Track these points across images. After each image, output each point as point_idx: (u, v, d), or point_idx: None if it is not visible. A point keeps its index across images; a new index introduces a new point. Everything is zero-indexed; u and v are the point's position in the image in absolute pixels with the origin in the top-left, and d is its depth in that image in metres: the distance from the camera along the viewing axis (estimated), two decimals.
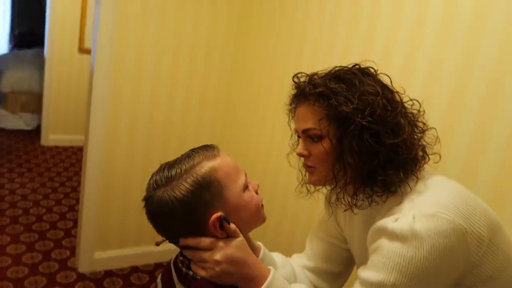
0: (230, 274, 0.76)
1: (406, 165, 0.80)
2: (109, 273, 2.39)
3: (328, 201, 1.04)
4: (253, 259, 0.80)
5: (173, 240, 0.78)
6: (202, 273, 0.77)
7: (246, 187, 0.80)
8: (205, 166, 0.76)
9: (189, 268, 0.79)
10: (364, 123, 0.77)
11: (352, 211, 0.86)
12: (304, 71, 0.91)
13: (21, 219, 2.85)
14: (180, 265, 0.81)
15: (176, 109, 2.40)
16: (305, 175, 0.95)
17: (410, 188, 0.80)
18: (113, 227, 2.40)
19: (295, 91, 0.89)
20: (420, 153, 0.83)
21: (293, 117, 0.92)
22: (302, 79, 0.89)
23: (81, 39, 4.35)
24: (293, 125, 0.94)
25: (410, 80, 1.38)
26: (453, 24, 1.25)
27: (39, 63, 5.02)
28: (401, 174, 0.79)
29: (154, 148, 2.40)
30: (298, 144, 0.91)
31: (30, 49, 5.73)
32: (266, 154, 2.14)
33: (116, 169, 2.32)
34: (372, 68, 0.86)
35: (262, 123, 2.17)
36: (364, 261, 0.92)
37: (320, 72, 0.88)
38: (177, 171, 0.76)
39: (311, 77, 0.86)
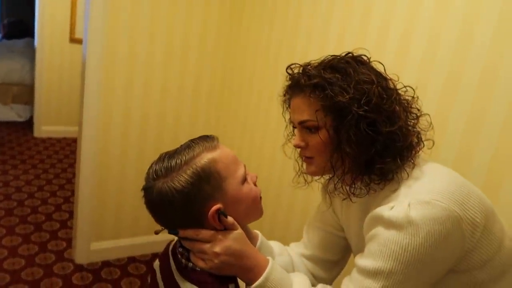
0: (229, 266, 0.77)
1: (402, 152, 0.80)
2: (106, 264, 2.40)
3: (326, 191, 1.04)
4: (251, 250, 0.80)
5: (172, 231, 0.79)
6: (201, 264, 0.77)
7: (245, 179, 0.80)
8: (205, 157, 0.76)
9: (188, 259, 0.79)
10: (360, 112, 0.77)
11: (350, 199, 0.87)
12: (297, 61, 0.90)
13: (16, 211, 2.84)
14: (179, 256, 0.81)
15: (170, 100, 2.38)
16: (302, 166, 0.95)
17: (407, 174, 0.80)
18: (108, 218, 2.41)
19: (289, 82, 0.88)
20: (415, 140, 0.84)
21: (287, 108, 0.92)
22: (295, 70, 0.88)
23: (72, 29, 4.29)
24: (287, 116, 0.94)
25: (405, 66, 1.38)
26: (448, 10, 1.25)
27: (30, 54, 4.95)
28: (398, 161, 0.79)
29: (148, 139, 2.39)
30: (293, 135, 0.91)
31: (20, 39, 5.63)
32: (260, 145, 2.14)
33: (111, 160, 2.31)
34: (365, 55, 0.86)
35: (256, 113, 2.16)
36: (360, 249, 0.93)
37: (313, 62, 0.87)
38: (177, 161, 0.75)
39: (305, 68, 0.86)
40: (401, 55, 1.39)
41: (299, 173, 0.97)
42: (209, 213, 0.75)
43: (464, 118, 1.21)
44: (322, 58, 0.87)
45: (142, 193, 0.79)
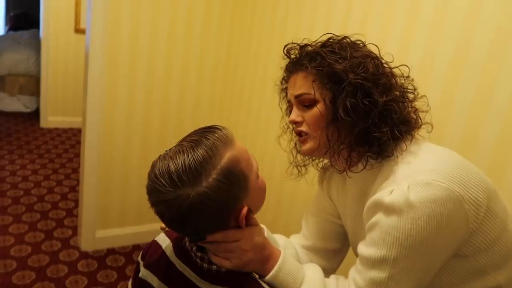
0: (253, 261, 0.77)
1: (399, 124, 0.80)
2: (111, 251, 2.42)
3: (323, 176, 1.04)
4: (267, 241, 0.81)
5: (197, 237, 0.73)
6: (227, 264, 0.75)
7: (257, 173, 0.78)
8: (230, 158, 0.69)
9: (210, 263, 0.76)
10: (357, 80, 0.77)
11: (347, 174, 0.86)
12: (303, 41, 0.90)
13: (23, 200, 2.87)
14: (199, 261, 0.77)
15: (173, 86, 2.38)
16: (296, 157, 0.95)
17: (406, 145, 0.80)
18: (113, 206, 2.42)
19: (286, 64, 0.89)
20: (413, 116, 0.83)
21: (284, 97, 0.92)
22: (292, 50, 0.89)
23: (77, 20, 4.29)
24: (284, 106, 0.94)
25: (411, 46, 1.36)
26: None
27: (36, 45, 4.97)
28: (396, 132, 0.79)
29: (152, 127, 2.39)
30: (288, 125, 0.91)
31: (26, 31, 5.66)
32: (265, 131, 2.13)
33: (115, 149, 2.32)
34: (360, 40, 0.87)
35: (261, 98, 2.15)
36: (357, 236, 0.92)
37: (310, 42, 0.88)
38: (202, 165, 0.66)
39: (302, 46, 0.87)
40: (408, 33, 1.37)
41: (293, 165, 0.96)
42: (241, 214, 0.72)
43: (470, 99, 1.19)
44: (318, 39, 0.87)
45: (152, 203, 0.70)
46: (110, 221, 2.44)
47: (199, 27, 2.34)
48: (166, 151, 0.71)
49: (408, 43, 1.36)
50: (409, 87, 0.85)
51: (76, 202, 2.93)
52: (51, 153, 3.78)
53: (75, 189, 3.13)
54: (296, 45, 0.88)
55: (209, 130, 0.71)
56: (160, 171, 0.67)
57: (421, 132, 0.87)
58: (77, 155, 3.82)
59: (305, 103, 0.84)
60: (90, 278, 2.16)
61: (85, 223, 2.36)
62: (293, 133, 0.92)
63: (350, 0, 1.59)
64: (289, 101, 0.91)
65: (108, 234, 2.43)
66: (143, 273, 0.84)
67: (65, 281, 2.11)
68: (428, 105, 0.86)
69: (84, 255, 2.35)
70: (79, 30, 4.31)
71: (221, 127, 0.73)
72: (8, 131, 4.19)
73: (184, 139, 0.72)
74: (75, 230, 2.57)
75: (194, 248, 0.78)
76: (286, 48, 0.89)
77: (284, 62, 0.91)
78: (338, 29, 1.65)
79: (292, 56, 0.87)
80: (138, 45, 2.20)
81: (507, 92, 1.10)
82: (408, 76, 0.86)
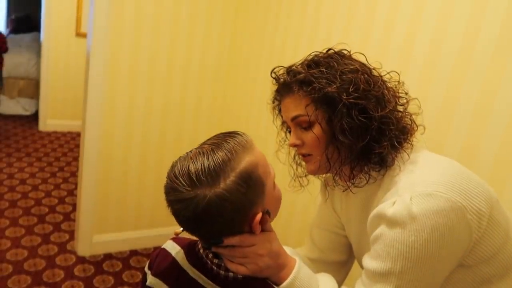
0: (269, 267, 0.76)
1: (398, 135, 0.80)
2: (108, 256, 2.40)
3: (325, 185, 1.04)
4: (283, 249, 0.80)
5: (214, 241, 0.73)
6: (243, 270, 0.74)
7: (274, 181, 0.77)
8: (249, 162, 0.70)
9: (227, 270, 0.75)
10: (350, 100, 0.77)
11: (351, 190, 0.86)
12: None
13: (20, 203, 2.85)
14: (215, 268, 0.76)
15: (174, 91, 2.38)
16: (296, 170, 0.95)
17: (408, 154, 0.80)
18: (111, 211, 2.41)
19: (277, 85, 0.89)
20: (409, 122, 0.83)
21: (278, 113, 0.92)
22: (280, 72, 0.88)
23: (78, 23, 4.30)
24: (278, 122, 0.94)
25: (409, 62, 1.36)
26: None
27: (37, 48, 4.98)
28: (396, 144, 0.79)
29: (152, 132, 2.39)
30: (286, 140, 0.91)
31: (27, 34, 5.66)
32: (266, 131, 2.13)
33: (114, 153, 2.31)
34: (346, 50, 0.87)
35: (261, 103, 2.15)
36: (362, 247, 0.92)
37: (296, 63, 0.88)
38: (222, 167, 0.67)
39: (289, 68, 0.86)
40: (405, 53, 1.38)
41: (294, 178, 0.96)
42: (257, 218, 0.71)
43: (470, 112, 1.19)
44: (304, 57, 0.87)
45: (169, 202, 0.70)
46: (107, 226, 2.42)
47: (201, 32, 2.35)
48: (186, 152, 0.73)
49: (409, 49, 1.37)
50: (400, 91, 0.85)
51: (74, 206, 2.91)
52: (50, 157, 3.77)
53: (73, 193, 3.12)
54: (282, 67, 0.88)
55: (230, 134, 0.72)
56: (180, 170, 0.68)
57: (415, 135, 0.87)
58: (76, 158, 3.80)
59: (303, 125, 0.84)
60: (87, 283, 2.14)
61: (83, 228, 2.34)
62: (296, 152, 0.92)
63: (352, 4, 1.59)
64: (285, 122, 0.91)
65: (105, 239, 2.42)
66: (151, 281, 0.83)
67: (61, 286, 2.08)
68: (420, 107, 0.87)
69: (81, 259, 2.33)
70: (80, 34, 4.32)
71: (241, 133, 0.73)
72: (7, 133, 4.17)
73: (205, 142, 0.73)
74: (72, 234, 2.55)
75: (210, 255, 0.77)
76: (273, 73, 0.89)
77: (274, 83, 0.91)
78: (341, 32, 1.65)
79: (281, 80, 0.87)
80: (139, 50, 2.21)
81: (510, 99, 1.10)
82: (398, 81, 0.86)
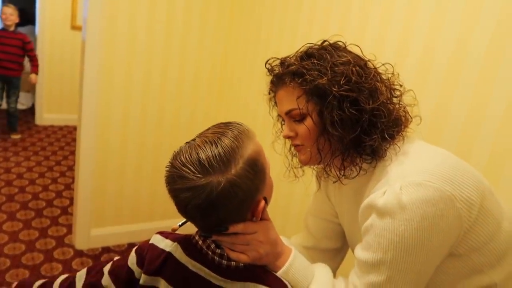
0: (268, 255, 0.77)
1: (389, 128, 0.80)
2: (106, 250, 2.41)
3: (319, 176, 1.04)
4: (280, 239, 0.81)
5: (219, 229, 0.73)
6: (244, 258, 0.75)
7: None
8: (254, 150, 0.71)
9: (229, 259, 0.76)
10: (341, 92, 0.77)
11: (341, 182, 0.86)
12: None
13: (17, 197, 2.85)
14: (218, 258, 0.76)
15: (170, 82, 2.37)
16: (292, 160, 0.96)
17: (399, 147, 0.80)
18: (109, 204, 2.41)
19: (271, 77, 0.89)
20: (402, 114, 0.83)
21: (274, 104, 0.92)
22: (274, 64, 0.89)
23: (73, 16, 4.27)
24: (274, 113, 0.95)
25: (405, 59, 1.36)
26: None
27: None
28: (387, 136, 0.79)
29: (149, 124, 2.38)
30: (282, 131, 0.91)
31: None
32: (262, 123, 2.12)
33: (111, 146, 2.30)
34: (341, 41, 0.87)
35: (256, 108, 2.15)
36: (354, 235, 0.93)
37: (291, 55, 0.88)
38: (231, 153, 0.68)
39: (283, 60, 0.87)
40: (401, 50, 1.37)
41: (289, 168, 0.97)
42: (259, 207, 0.73)
43: (468, 101, 1.19)
44: (299, 49, 0.87)
45: (174, 190, 0.69)
46: (105, 219, 2.42)
47: (197, 23, 2.33)
48: (187, 142, 0.72)
49: (405, 45, 1.36)
50: (395, 83, 0.85)
51: (71, 200, 2.91)
52: (46, 151, 3.76)
53: (70, 187, 3.11)
54: (276, 59, 0.89)
55: (231, 124, 0.73)
56: (188, 158, 0.68)
57: (411, 125, 0.87)
58: (73, 152, 3.80)
59: (296, 118, 0.84)
60: None
61: (80, 221, 2.34)
62: (287, 146, 0.94)
63: (349, 1, 1.59)
64: (279, 116, 0.92)
65: (103, 232, 2.42)
66: (145, 280, 0.81)
67: None
68: (415, 98, 0.87)
69: (79, 253, 2.33)
70: (75, 27, 4.28)
71: (240, 123, 0.74)
72: (4, 128, 4.15)
73: (205, 132, 0.73)
74: (70, 228, 2.56)
75: (212, 246, 0.77)
76: (267, 64, 0.90)
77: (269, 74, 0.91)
78: (336, 29, 1.65)
79: (276, 71, 0.87)
80: (135, 42, 2.19)
81: (505, 95, 1.10)
82: (393, 73, 0.86)
